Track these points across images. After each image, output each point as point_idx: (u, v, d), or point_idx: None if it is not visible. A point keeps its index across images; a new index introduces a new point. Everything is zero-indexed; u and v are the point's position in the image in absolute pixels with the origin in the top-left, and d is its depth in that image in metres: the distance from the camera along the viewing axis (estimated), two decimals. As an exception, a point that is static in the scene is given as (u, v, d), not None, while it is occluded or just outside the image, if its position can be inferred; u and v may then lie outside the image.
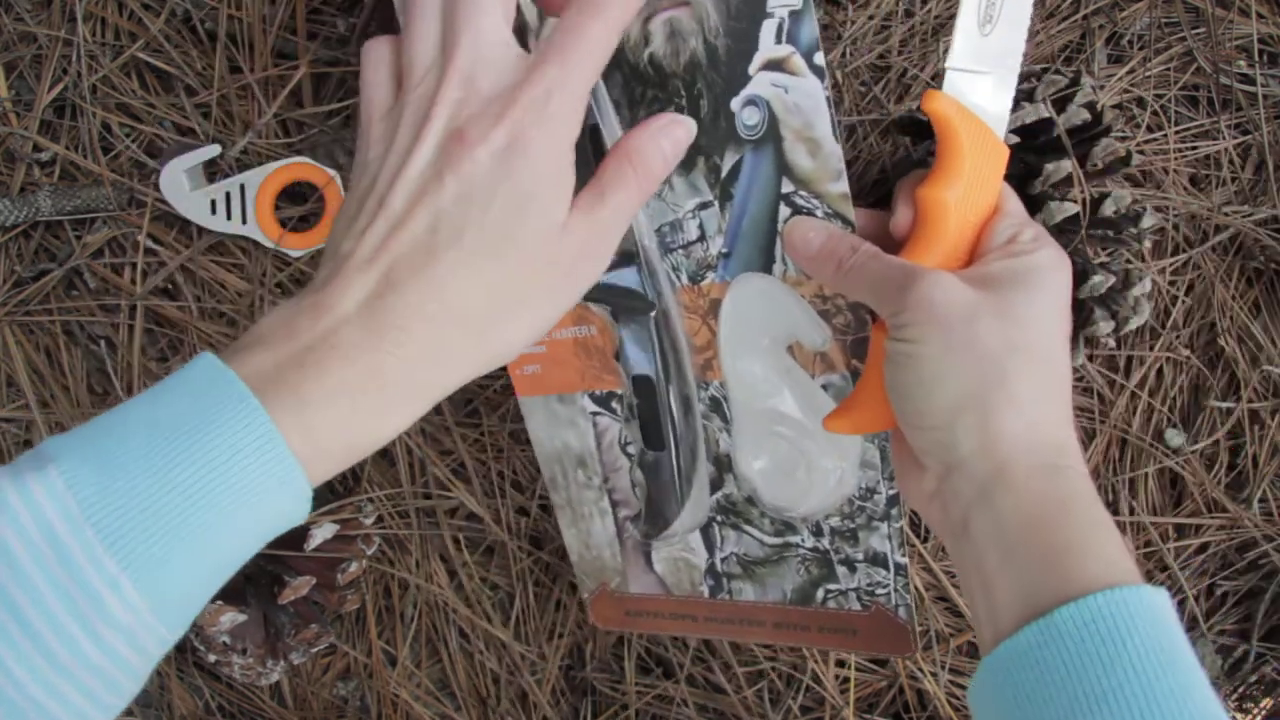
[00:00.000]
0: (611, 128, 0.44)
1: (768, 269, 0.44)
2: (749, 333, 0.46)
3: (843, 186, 0.42)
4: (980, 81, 0.40)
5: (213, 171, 0.56)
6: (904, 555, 0.48)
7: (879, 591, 0.50)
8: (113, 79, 0.56)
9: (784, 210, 0.43)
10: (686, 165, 0.43)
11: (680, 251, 0.46)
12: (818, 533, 0.50)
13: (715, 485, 0.50)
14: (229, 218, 0.55)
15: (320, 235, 0.55)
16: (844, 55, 0.54)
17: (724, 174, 0.43)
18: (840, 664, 0.61)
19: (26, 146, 0.56)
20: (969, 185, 0.39)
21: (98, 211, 0.56)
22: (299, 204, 0.56)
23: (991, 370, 0.36)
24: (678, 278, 0.46)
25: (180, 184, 0.54)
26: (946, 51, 0.40)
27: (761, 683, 0.61)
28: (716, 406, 0.49)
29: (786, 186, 0.42)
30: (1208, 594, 0.63)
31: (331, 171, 0.54)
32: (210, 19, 0.55)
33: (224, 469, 0.29)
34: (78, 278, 0.57)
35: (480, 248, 0.32)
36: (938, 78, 0.39)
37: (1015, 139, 0.49)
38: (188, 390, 0.31)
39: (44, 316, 0.58)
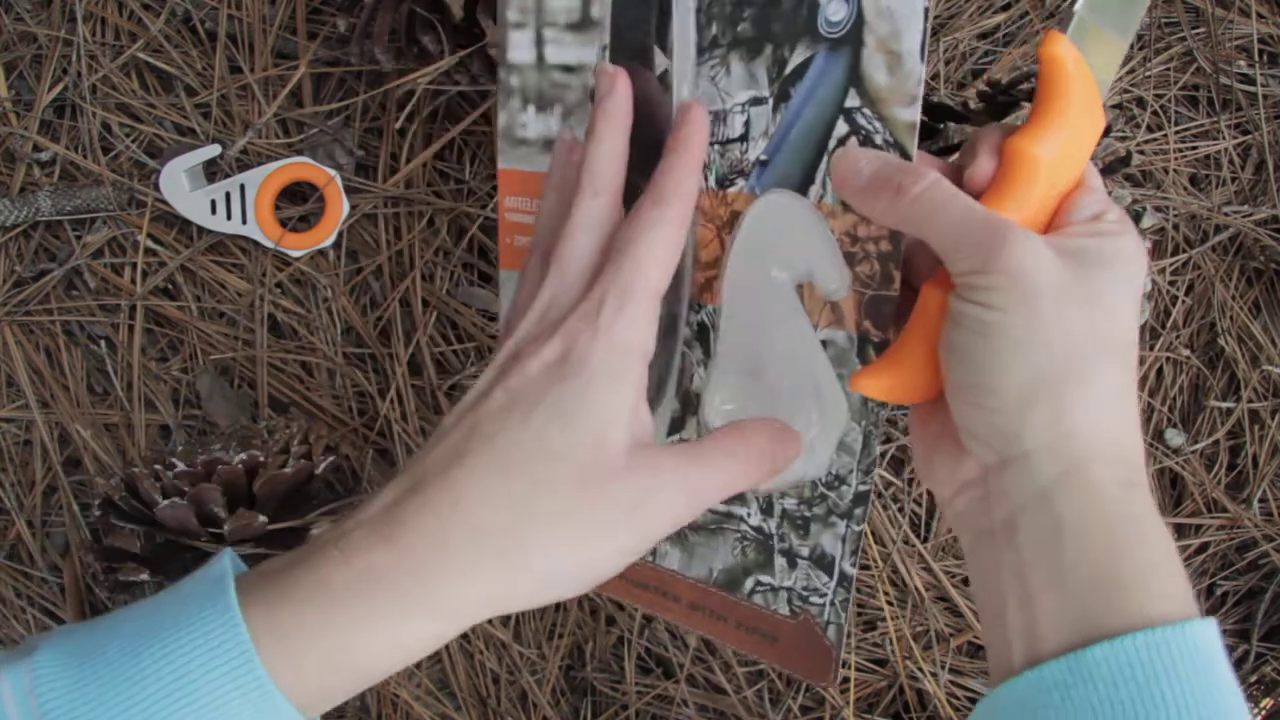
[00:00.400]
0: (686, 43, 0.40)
1: (804, 189, 0.39)
2: (762, 258, 0.41)
3: (914, 115, 0.37)
4: (1102, 38, 0.36)
5: (213, 171, 0.56)
6: (854, 566, 0.43)
7: (813, 600, 0.44)
8: (113, 79, 0.56)
9: (841, 127, 0.38)
10: (752, 51, 0.39)
11: (716, 148, 0.41)
12: (767, 511, 0.44)
13: (675, 426, 0.44)
14: (229, 218, 0.55)
15: (320, 235, 0.55)
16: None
17: (788, 70, 0.39)
18: (841, 664, 0.61)
19: (26, 146, 0.56)
20: (1066, 145, 0.35)
21: (98, 211, 0.56)
22: (299, 204, 0.56)
23: (1077, 359, 0.32)
24: (705, 177, 0.41)
25: (180, 184, 0.54)
26: None
27: (761, 683, 0.61)
28: (702, 335, 0.43)
29: (852, 100, 0.38)
30: (1208, 594, 0.63)
31: (331, 171, 0.54)
32: (210, 19, 0.55)
33: (192, 685, 0.28)
34: (78, 278, 0.57)
35: (511, 456, 0.30)
36: (1061, 21, 0.35)
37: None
38: (189, 589, 0.30)
39: (44, 316, 0.58)
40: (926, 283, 0.36)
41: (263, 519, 0.51)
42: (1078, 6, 0.35)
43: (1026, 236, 0.32)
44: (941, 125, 0.52)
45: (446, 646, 0.60)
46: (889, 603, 0.60)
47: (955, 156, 0.39)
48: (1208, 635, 0.29)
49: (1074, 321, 0.32)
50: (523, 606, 0.31)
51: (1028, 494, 0.32)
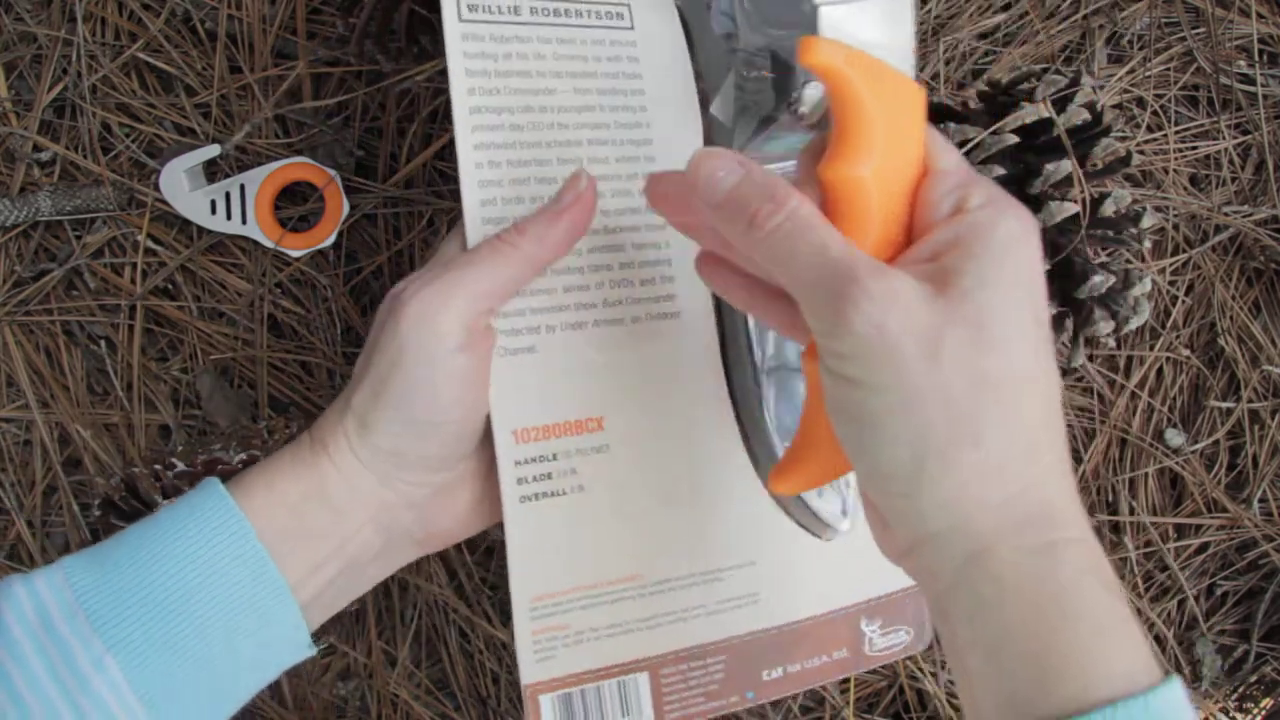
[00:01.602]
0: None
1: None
2: None
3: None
4: (865, 11, 0.31)
5: (212, 171, 0.56)
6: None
7: None
8: (113, 79, 0.56)
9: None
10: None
11: None
12: None
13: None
14: (229, 218, 0.55)
15: (320, 235, 0.55)
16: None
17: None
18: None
19: (26, 146, 0.56)
20: (885, 149, 0.29)
21: (98, 211, 0.56)
22: (299, 204, 0.56)
23: (964, 421, 0.27)
24: None
25: (180, 184, 0.54)
26: None
27: (761, 683, 0.61)
28: None
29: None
30: (1208, 594, 0.63)
31: (331, 171, 0.54)
32: (210, 19, 0.55)
33: (197, 557, 0.33)
34: (78, 278, 0.57)
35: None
36: (813, 21, 0.31)
37: (1014, 138, 0.49)
38: (180, 500, 0.35)
39: (44, 316, 0.58)
40: (804, 353, 0.32)
41: None
42: (817, 2, 0.31)
43: (876, 281, 0.27)
44: (941, 125, 0.52)
45: (447, 646, 0.60)
46: (919, 650, 0.60)
47: None
48: (1169, 703, 0.26)
49: (952, 375, 0.27)
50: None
51: (948, 575, 0.29)
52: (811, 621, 0.43)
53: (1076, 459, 0.61)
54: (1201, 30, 0.60)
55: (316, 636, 0.56)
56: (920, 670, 0.60)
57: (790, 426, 0.40)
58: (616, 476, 0.40)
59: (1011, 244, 0.29)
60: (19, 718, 0.30)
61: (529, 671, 0.39)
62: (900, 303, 0.27)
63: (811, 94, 0.36)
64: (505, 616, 0.61)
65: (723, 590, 0.42)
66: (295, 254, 0.55)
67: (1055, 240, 0.51)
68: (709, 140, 0.42)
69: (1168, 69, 0.60)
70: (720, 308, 0.42)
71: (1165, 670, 0.27)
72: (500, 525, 0.39)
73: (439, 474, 0.37)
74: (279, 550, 0.34)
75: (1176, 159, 0.60)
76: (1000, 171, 0.49)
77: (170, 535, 0.33)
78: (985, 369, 0.27)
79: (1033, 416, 0.28)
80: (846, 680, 0.60)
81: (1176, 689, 0.27)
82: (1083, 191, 0.50)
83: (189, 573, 0.33)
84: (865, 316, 0.27)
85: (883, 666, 0.61)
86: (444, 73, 0.39)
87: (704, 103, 0.42)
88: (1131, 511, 0.61)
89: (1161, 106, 0.60)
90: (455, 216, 0.56)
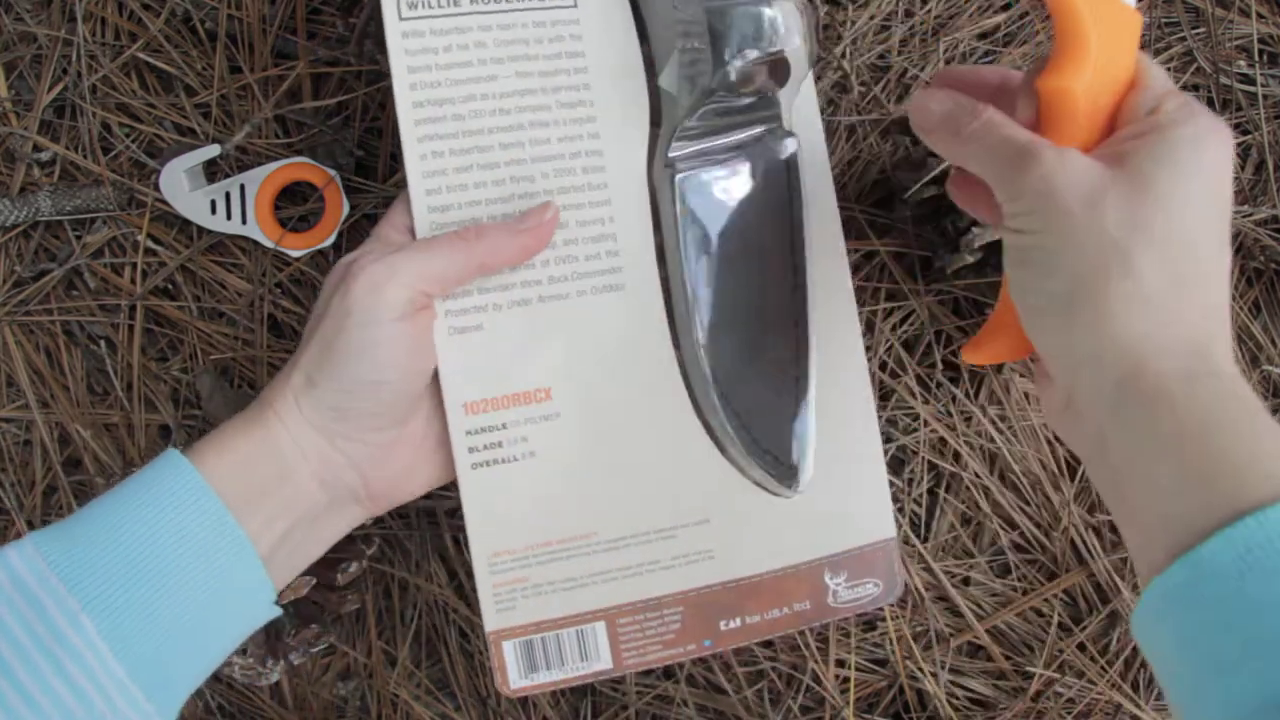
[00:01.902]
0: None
1: None
2: None
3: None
4: None
5: (213, 171, 0.56)
6: None
7: None
8: (113, 79, 0.56)
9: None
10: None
11: None
12: None
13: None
14: (229, 218, 0.55)
15: (320, 235, 0.55)
16: (844, 55, 0.54)
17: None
18: (840, 664, 0.61)
19: (26, 146, 0.56)
20: (1097, 67, 0.33)
21: (98, 211, 0.56)
22: (299, 204, 0.56)
23: (1113, 255, 0.30)
24: None
25: (180, 184, 0.54)
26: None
27: (761, 683, 0.61)
28: None
29: None
30: (1208, 594, 0.63)
31: (331, 171, 0.54)
32: (210, 19, 0.55)
33: (161, 521, 0.35)
34: (78, 278, 0.57)
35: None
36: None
37: None
38: (144, 470, 0.37)
39: (44, 316, 0.58)
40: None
41: None
42: None
43: (1056, 154, 0.32)
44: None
45: (447, 646, 0.60)
46: (889, 602, 0.60)
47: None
48: None
49: (1110, 219, 0.30)
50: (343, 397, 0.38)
51: (1102, 406, 0.31)
52: (770, 575, 0.45)
53: (1076, 461, 0.61)
54: (1201, 30, 0.60)
55: (316, 636, 0.56)
56: (920, 670, 0.60)
57: (734, 402, 0.43)
58: (567, 442, 0.42)
59: (1194, 141, 0.31)
60: (7, 683, 0.31)
61: (491, 620, 0.43)
62: (1068, 166, 0.31)
63: (741, 66, 0.39)
64: (505, 616, 0.61)
65: (676, 547, 0.44)
66: (295, 254, 0.55)
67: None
68: (655, 113, 0.42)
69: (1168, 69, 0.60)
70: (666, 279, 0.43)
71: None
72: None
73: (379, 433, 0.39)
74: (234, 506, 0.36)
75: (1176, 159, 0.60)
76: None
77: (134, 503, 0.35)
78: (1143, 217, 0.30)
79: (1187, 268, 0.31)
80: (846, 680, 0.60)
81: None
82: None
83: (155, 536, 0.34)
84: (1037, 176, 0.32)
85: (883, 666, 0.61)
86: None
87: (652, 74, 0.42)
88: (1131, 511, 0.61)
89: (1161, 106, 0.60)
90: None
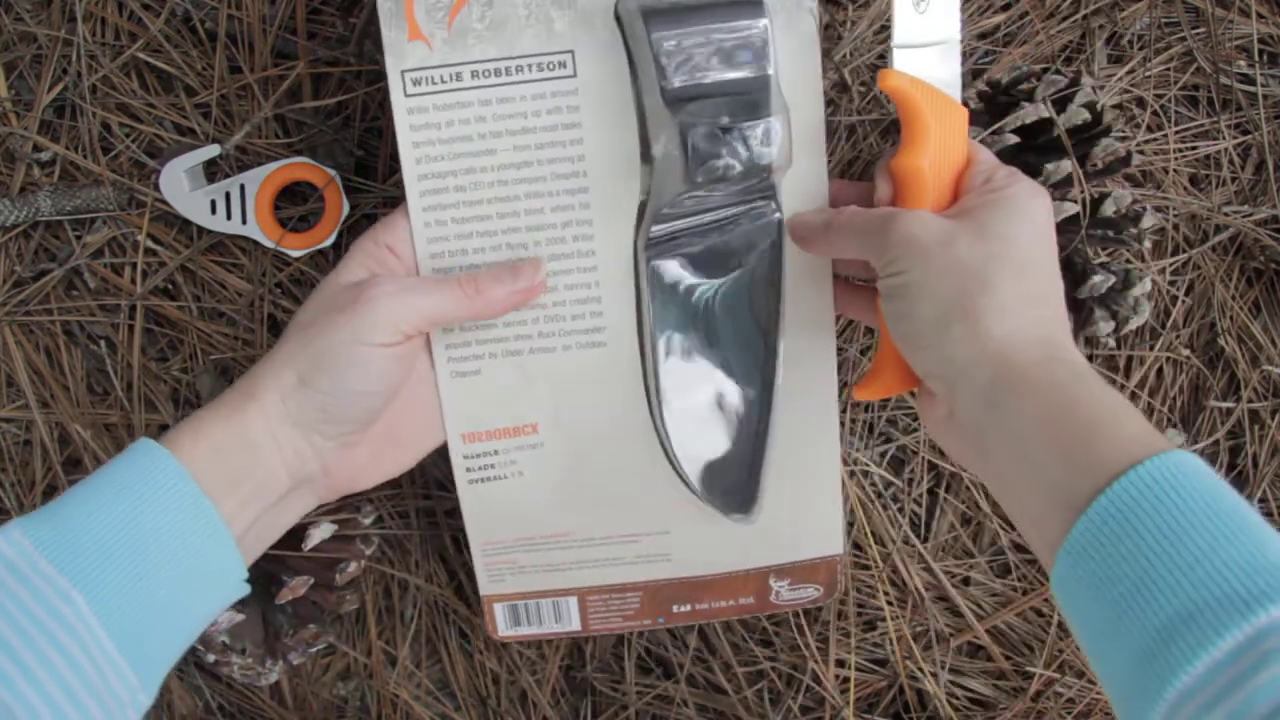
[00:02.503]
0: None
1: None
2: None
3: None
4: (926, 54, 0.42)
5: (213, 171, 0.56)
6: None
7: None
8: (113, 79, 0.56)
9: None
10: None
11: None
12: None
13: None
14: (229, 218, 0.55)
15: (320, 235, 0.55)
16: (845, 55, 0.54)
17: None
18: (840, 664, 0.61)
19: (26, 146, 0.56)
20: (938, 148, 0.41)
21: (98, 211, 0.56)
22: (299, 204, 0.56)
23: (973, 280, 0.37)
24: None
25: (180, 184, 0.54)
26: (890, 32, 0.43)
27: (761, 683, 0.61)
28: None
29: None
30: (1208, 594, 0.63)
31: (332, 171, 0.54)
32: (210, 19, 0.55)
33: (140, 505, 0.36)
34: (78, 278, 0.57)
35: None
36: (884, 57, 0.42)
37: (1014, 138, 0.49)
38: (119, 458, 0.38)
39: (44, 316, 0.58)
40: (877, 298, 0.42)
41: None
42: (892, 42, 0.42)
43: (910, 213, 0.39)
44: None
45: (447, 646, 0.60)
46: (889, 603, 0.60)
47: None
48: (1185, 462, 0.32)
49: (964, 255, 0.37)
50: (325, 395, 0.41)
51: (980, 407, 0.37)
52: (721, 575, 0.52)
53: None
54: (1201, 30, 0.60)
55: (314, 636, 0.56)
56: (920, 670, 0.60)
57: (695, 459, 0.49)
58: (549, 466, 0.49)
59: (1021, 197, 0.39)
60: (7, 659, 0.32)
61: (485, 588, 0.52)
62: (923, 219, 0.39)
63: (712, 173, 0.42)
64: (505, 616, 0.61)
65: (638, 549, 0.51)
66: (295, 254, 0.55)
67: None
68: (646, 183, 0.45)
69: (1168, 69, 0.60)
70: (642, 340, 0.47)
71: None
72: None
73: (351, 434, 0.43)
74: (209, 490, 0.38)
75: (1176, 159, 0.60)
76: (1000, 171, 0.49)
77: (114, 489, 0.37)
78: (992, 250, 0.38)
79: (1032, 285, 0.38)
80: (846, 680, 0.61)
81: (1190, 456, 0.32)
82: (1083, 192, 0.50)
83: (135, 518, 0.36)
84: (898, 231, 0.39)
85: (883, 666, 0.61)
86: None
87: (645, 147, 0.44)
88: (1131, 511, 0.61)
89: (1161, 106, 0.60)
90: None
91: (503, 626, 0.53)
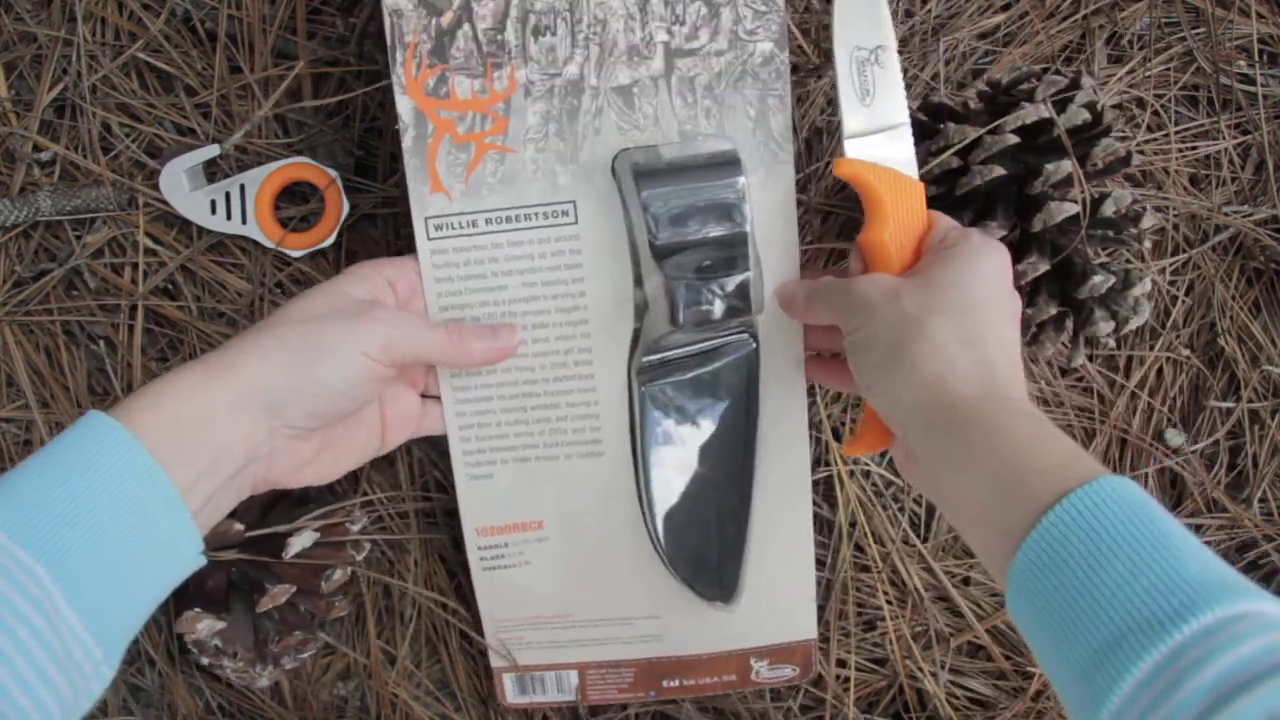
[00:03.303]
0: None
1: None
2: None
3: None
4: (876, 140, 0.46)
5: (212, 171, 0.56)
6: None
7: None
8: (113, 79, 0.56)
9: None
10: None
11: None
12: None
13: None
14: (229, 218, 0.55)
15: (320, 235, 0.55)
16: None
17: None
18: (840, 664, 0.61)
19: (26, 146, 0.56)
20: (896, 221, 0.46)
21: (98, 211, 0.56)
22: (299, 204, 0.56)
23: (911, 327, 0.40)
24: None
25: (180, 184, 0.54)
26: (840, 125, 0.47)
27: (761, 683, 0.61)
28: None
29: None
30: (1208, 594, 0.63)
31: (332, 172, 0.54)
32: (210, 19, 0.55)
33: (92, 478, 0.36)
34: (78, 278, 0.57)
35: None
36: (837, 145, 0.48)
37: (1015, 138, 0.49)
38: (67, 432, 0.39)
39: (44, 316, 0.58)
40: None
41: (239, 527, 0.51)
42: (843, 134, 0.46)
43: (867, 277, 0.44)
44: (941, 125, 0.52)
45: (447, 646, 0.60)
46: (889, 602, 0.60)
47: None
48: (1107, 487, 0.33)
49: (907, 306, 0.41)
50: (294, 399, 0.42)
51: (925, 444, 0.40)
52: (706, 655, 0.57)
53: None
54: (1201, 30, 0.60)
55: (301, 643, 0.56)
56: (920, 670, 0.60)
57: (682, 559, 0.54)
58: (553, 557, 0.55)
59: (969, 252, 0.43)
60: None
61: (496, 661, 0.57)
62: (876, 280, 0.43)
63: (691, 321, 0.47)
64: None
65: (633, 630, 0.56)
66: (295, 254, 0.55)
67: (1055, 240, 0.51)
68: (640, 310, 0.50)
69: (1168, 69, 0.60)
70: (635, 451, 0.52)
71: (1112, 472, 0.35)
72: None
73: (307, 428, 0.44)
74: (165, 460, 0.38)
75: (1176, 159, 0.60)
76: (1000, 172, 0.49)
77: (66, 462, 0.37)
78: (932, 299, 0.41)
79: (968, 328, 0.40)
80: (847, 680, 0.61)
81: (1113, 481, 0.34)
82: (1083, 192, 0.50)
83: (91, 491, 0.36)
84: (856, 292, 0.43)
85: (883, 666, 0.61)
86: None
87: (639, 279, 0.50)
88: (1131, 511, 0.61)
89: (1161, 106, 0.60)
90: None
91: (511, 694, 0.58)
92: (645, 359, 0.50)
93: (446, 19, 0.47)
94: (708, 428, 0.52)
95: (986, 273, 0.42)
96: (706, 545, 0.54)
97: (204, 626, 0.51)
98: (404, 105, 0.48)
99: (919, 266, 0.44)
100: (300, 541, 0.52)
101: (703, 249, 0.47)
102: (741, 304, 0.48)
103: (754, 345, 0.51)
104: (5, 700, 0.32)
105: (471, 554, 0.54)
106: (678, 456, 0.52)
